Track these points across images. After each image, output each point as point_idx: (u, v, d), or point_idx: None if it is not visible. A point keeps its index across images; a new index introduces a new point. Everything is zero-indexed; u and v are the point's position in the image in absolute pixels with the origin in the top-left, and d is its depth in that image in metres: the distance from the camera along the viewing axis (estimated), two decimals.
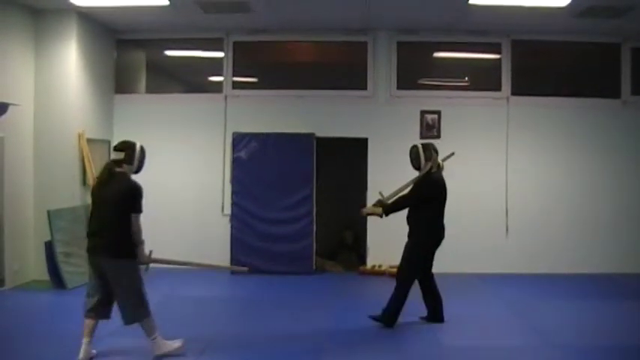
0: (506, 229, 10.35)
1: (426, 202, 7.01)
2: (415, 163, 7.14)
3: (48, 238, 8.86)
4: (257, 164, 10.20)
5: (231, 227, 10.16)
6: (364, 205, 8.75)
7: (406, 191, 7.27)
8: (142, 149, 5.92)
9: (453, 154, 7.56)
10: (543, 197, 10.38)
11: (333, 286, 9.45)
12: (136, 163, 5.88)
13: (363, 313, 7.35)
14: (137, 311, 5.76)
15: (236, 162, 10.30)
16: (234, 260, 10.09)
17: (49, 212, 8.85)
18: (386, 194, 7.34)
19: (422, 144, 7.24)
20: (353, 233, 11.09)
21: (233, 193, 10.27)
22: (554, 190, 10.40)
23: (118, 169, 5.82)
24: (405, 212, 7.23)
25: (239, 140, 10.31)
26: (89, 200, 6.55)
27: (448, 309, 7.33)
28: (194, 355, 6.06)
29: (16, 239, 8.97)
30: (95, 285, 5.79)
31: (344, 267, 10.51)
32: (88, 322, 5.79)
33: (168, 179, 10.49)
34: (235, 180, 10.29)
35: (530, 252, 10.30)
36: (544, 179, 10.40)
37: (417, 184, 7.11)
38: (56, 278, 8.81)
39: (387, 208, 7.18)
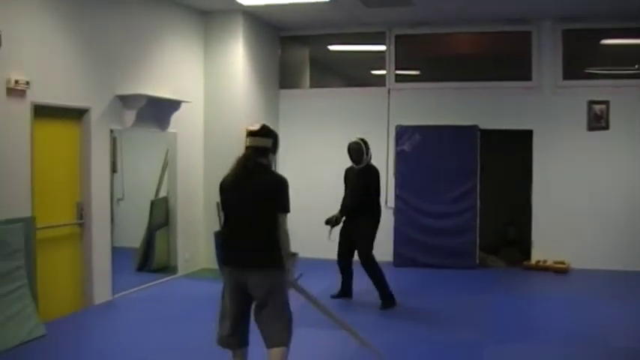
0: None
1: (373, 189, 7.73)
2: (358, 157, 7.71)
3: (217, 228, 9.19)
4: (420, 157, 10.18)
5: (394, 220, 10.17)
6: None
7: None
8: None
9: None
10: None
11: (498, 280, 9.29)
12: (277, 153, 4.76)
13: (528, 307, 7.66)
14: (286, 333, 4.53)
15: (399, 155, 10.33)
16: (397, 254, 10.15)
17: (217, 204, 9.14)
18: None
19: (361, 139, 7.75)
20: (516, 228, 10.85)
21: (396, 186, 10.30)
22: None
23: (262, 160, 4.56)
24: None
25: (402, 133, 10.33)
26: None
27: (607, 308, 7.44)
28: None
29: (187, 229, 9.39)
30: (230, 306, 4.59)
31: (506, 262, 10.31)
32: (235, 354, 4.68)
33: (332, 172, 10.60)
34: (399, 173, 10.33)
35: None
36: None
37: (366, 175, 7.73)
38: None
39: (343, 209, 7.78)
